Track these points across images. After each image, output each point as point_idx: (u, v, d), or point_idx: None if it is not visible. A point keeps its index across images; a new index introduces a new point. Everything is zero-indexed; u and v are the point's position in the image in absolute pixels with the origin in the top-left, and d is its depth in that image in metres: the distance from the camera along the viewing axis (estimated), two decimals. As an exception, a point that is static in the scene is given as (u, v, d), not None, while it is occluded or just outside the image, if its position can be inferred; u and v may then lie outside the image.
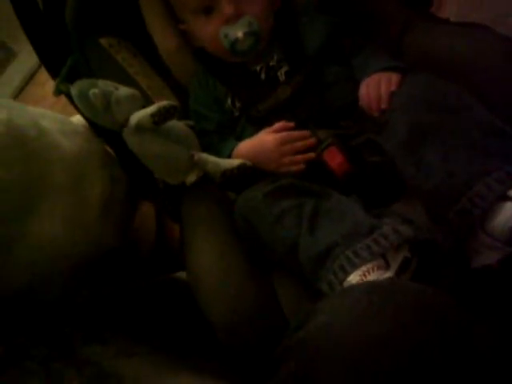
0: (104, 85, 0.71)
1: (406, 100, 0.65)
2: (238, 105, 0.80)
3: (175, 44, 0.84)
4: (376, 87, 0.69)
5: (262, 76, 0.79)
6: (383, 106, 0.68)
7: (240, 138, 0.79)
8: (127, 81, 0.79)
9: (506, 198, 0.53)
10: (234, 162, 0.73)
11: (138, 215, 0.93)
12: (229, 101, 0.81)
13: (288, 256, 0.64)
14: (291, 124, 0.74)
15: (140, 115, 0.69)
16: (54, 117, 0.76)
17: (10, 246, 0.57)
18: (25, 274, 0.59)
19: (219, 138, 0.80)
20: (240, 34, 0.75)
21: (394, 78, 0.69)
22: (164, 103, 0.67)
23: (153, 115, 0.67)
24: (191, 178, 0.74)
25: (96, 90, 0.69)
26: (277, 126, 0.73)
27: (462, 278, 0.57)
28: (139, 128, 0.70)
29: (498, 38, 0.66)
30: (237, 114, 0.80)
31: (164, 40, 0.84)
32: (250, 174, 0.74)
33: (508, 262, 0.54)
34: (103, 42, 0.81)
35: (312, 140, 0.72)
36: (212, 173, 0.73)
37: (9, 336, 0.54)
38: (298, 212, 0.64)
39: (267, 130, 0.74)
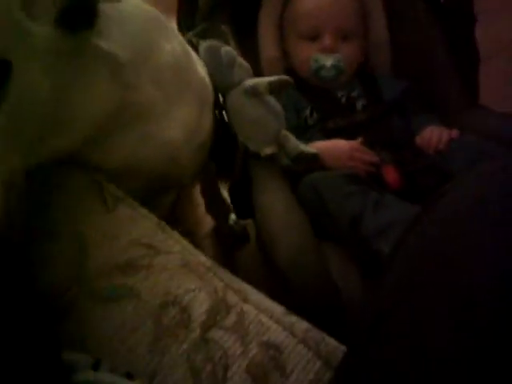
0: (231, 50, 0.85)
1: (462, 144, 0.82)
2: (315, 116, 0.95)
3: (276, 55, 1.01)
4: (439, 132, 0.87)
5: (343, 100, 0.96)
6: (441, 146, 0.85)
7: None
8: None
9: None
10: (311, 149, 0.85)
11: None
12: (307, 111, 0.96)
13: (348, 227, 0.75)
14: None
15: (258, 80, 0.82)
16: None
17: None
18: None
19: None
20: (328, 63, 0.94)
21: (455, 132, 0.87)
22: (284, 77, 0.81)
23: (270, 83, 0.80)
24: (268, 150, 0.85)
25: (228, 48, 0.83)
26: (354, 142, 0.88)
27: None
28: (252, 91, 0.82)
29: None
30: (311, 123, 0.95)
31: (268, 49, 1.01)
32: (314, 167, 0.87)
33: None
34: (224, 28, 0.96)
35: (376, 158, 0.87)
36: (289, 151, 0.85)
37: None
38: (364, 196, 0.76)
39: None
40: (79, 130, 0.53)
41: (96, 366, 0.43)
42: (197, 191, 1.12)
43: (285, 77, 0.82)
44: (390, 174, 0.85)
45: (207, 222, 1.13)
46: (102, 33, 0.51)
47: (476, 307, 0.39)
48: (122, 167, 0.65)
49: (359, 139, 0.88)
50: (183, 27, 0.92)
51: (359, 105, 0.95)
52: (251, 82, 0.82)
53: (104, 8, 0.49)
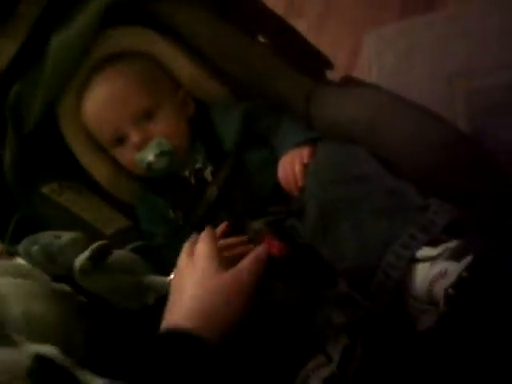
0: (44, 238, 0.75)
1: (314, 180, 0.66)
2: (179, 214, 0.82)
3: (111, 171, 0.87)
4: (290, 167, 0.71)
5: (192, 180, 0.82)
6: (300, 183, 0.69)
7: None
8: (72, 220, 0.83)
9: (416, 261, 0.53)
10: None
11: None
12: (171, 212, 0.83)
13: None
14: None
15: (80, 260, 0.72)
16: None
17: None
18: None
19: (168, 250, 0.81)
20: (151, 158, 0.79)
21: (305, 152, 0.71)
22: (95, 245, 0.70)
23: (89, 258, 0.70)
24: (149, 300, 0.76)
25: (36, 247, 0.73)
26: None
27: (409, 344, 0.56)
28: (84, 271, 0.72)
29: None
30: (181, 222, 0.83)
31: (98, 170, 0.87)
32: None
33: (445, 321, 0.53)
34: (45, 190, 0.86)
35: (248, 247, 0.71)
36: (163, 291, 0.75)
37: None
38: None
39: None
40: None
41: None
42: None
43: (97, 244, 0.70)
44: (273, 246, 0.71)
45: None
46: None
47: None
48: None
49: (223, 225, 0.75)
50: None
51: (208, 175, 0.80)
52: (77, 263, 0.72)
53: None
